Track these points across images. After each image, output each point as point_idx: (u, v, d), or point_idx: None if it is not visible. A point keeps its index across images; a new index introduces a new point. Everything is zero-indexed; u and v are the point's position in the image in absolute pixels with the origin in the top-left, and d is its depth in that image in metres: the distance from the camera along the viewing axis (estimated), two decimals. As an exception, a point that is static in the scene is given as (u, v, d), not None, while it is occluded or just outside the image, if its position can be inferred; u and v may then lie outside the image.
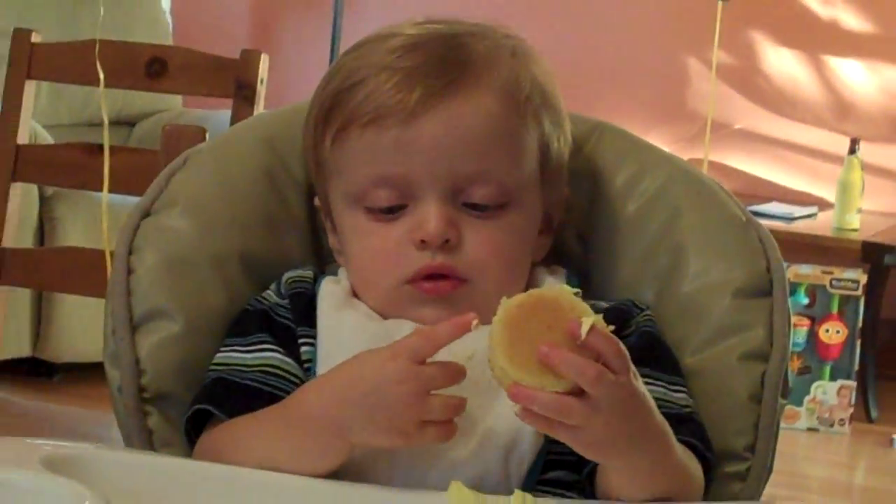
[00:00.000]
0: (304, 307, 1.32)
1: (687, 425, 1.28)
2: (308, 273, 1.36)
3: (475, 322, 1.15)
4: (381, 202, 1.29)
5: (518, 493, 1.19)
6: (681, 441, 1.25)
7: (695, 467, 1.26)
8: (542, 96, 1.33)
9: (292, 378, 1.28)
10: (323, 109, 1.32)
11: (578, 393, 1.12)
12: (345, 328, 1.29)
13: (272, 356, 1.30)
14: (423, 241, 1.27)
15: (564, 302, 1.15)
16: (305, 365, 1.30)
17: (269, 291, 1.36)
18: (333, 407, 1.19)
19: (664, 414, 1.23)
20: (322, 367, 1.28)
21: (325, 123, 1.31)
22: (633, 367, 1.15)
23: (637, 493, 1.20)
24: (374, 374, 1.17)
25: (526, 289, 1.24)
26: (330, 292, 1.33)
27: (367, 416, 1.17)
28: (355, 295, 1.33)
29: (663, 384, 1.29)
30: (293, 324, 1.32)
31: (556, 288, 1.18)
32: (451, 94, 1.27)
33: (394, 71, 1.27)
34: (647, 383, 1.24)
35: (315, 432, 1.20)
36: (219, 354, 1.32)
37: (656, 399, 1.23)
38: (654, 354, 1.32)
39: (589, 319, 1.12)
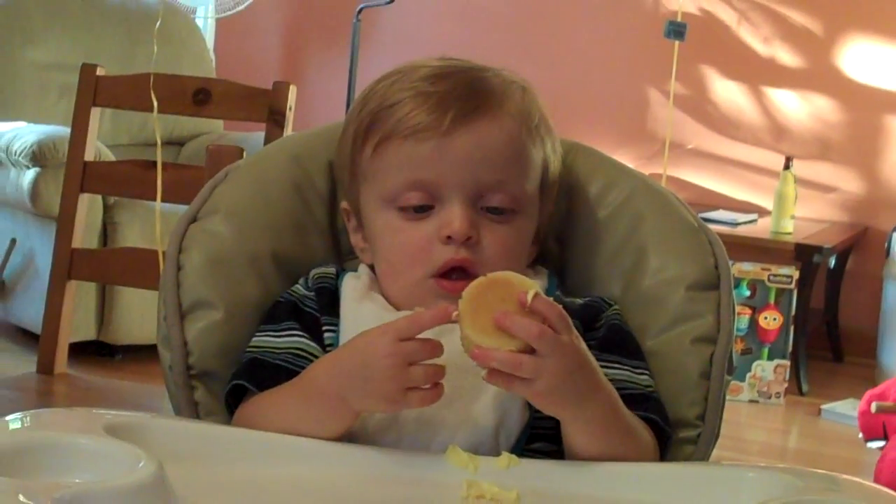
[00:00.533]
0: (328, 299, 1.32)
1: (649, 403, 1.28)
2: (331, 270, 1.36)
3: (455, 313, 1.15)
4: (413, 202, 1.30)
5: (505, 454, 1.19)
6: (642, 416, 1.25)
7: (647, 436, 1.26)
8: (545, 125, 1.34)
9: (316, 359, 1.28)
10: (362, 126, 1.32)
11: (529, 351, 1.13)
12: (364, 317, 1.29)
13: (299, 340, 1.30)
14: (449, 238, 1.28)
15: (514, 279, 1.17)
16: (328, 348, 1.30)
17: (297, 285, 1.36)
18: (336, 379, 1.20)
19: (629, 393, 1.24)
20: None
21: (364, 137, 1.32)
22: (574, 330, 1.17)
23: (592, 447, 1.21)
24: (366, 350, 1.18)
25: None
26: (352, 286, 1.33)
27: (362, 385, 1.17)
28: (373, 289, 1.33)
29: (628, 368, 1.30)
30: (318, 313, 1.32)
31: (506, 271, 1.19)
32: (480, 115, 1.28)
33: (429, 95, 1.28)
34: (614, 367, 1.25)
35: (324, 401, 1.21)
36: (254, 339, 1.32)
37: (622, 380, 1.24)
38: (621, 343, 1.32)
39: (532, 290, 1.14)
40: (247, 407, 1.28)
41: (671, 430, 1.31)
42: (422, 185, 1.29)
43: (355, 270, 1.37)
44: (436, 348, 1.16)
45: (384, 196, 1.31)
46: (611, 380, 1.24)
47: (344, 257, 1.41)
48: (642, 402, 1.27)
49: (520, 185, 1.30)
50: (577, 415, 1.19)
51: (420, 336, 1.18)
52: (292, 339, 1.31)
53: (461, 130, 1.27)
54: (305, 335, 1.31)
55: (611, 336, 1.32)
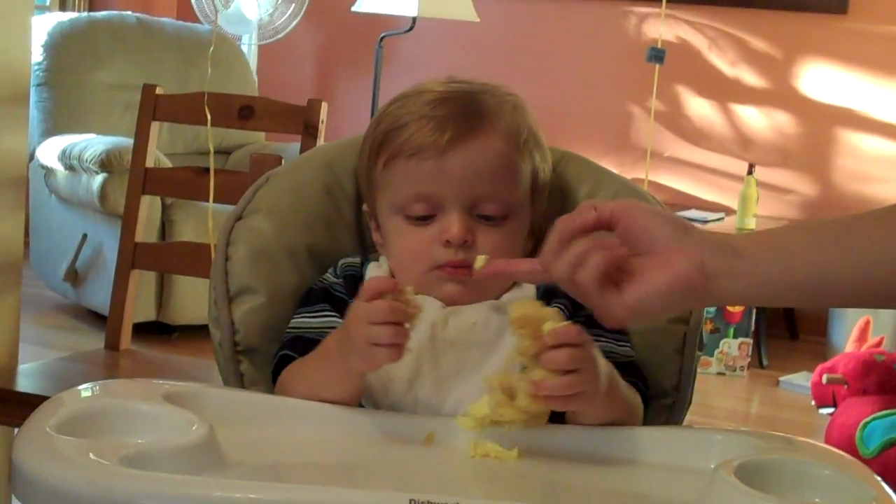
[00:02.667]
0: (355, 285, 1.33)
1: (630, 370, 1.28)
2: (356, 260, 1.37)
3: (410, 288, 1.17)
4: (418, 212, 1.29)
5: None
6: (626, 380, 1.25)
7: (636, 399, 1.27)
8: (534, 139, 1.33)
9: None
10: (376, 143, 1.32)
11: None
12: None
13: (331, 320, 1.30)
14: (448, 242, 1.27)
15: (532, 314, 1.15)
16: None
17: (327, 274, 1.36)
18: (338, 343, 1.20)
19: (613, 361, 1.23)
20: None
21: (377, 153, 1.32)
22: (587, 335, 1.15)
23: (597, 418, 1.20)
24: (349, 314, 1.18)
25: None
26: (373, 273, 1.33)
27: (347, 345, 1.17)
28: (392, 277, 1.33)
29: (612, 340, 1.29)
30: (346, 297, 1.32)
31: (529, 304, 1.18)
32: (472, 137, 1.28)
33: (430, 118, 1.28)
34: (599, 340, 1.24)
35: (332, 365, 1.21)
36: (292, 321, 1.33)
37: (605, 351, 1.23)
38: None
39: (548, 324, 1.14)
40: (284, 373, 1.28)
41: (650, 392, 1.31)
42: (424, 197, 1.29)
43: (377, 261, 1.37)
44: (395, 311, 1.15)
45: (393, 205, 1.31)
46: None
47: (368, 250, 1.41)
48: (625, 368, 1.27)
49: (510, 194, 1.30)
50: (596, 399, 1.18)
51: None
52: (326, 319, 1.31)
53: (456, 150, 1.27)
54: (336, 315, 1.31)
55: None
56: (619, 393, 1.22)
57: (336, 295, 1.33)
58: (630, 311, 1.10)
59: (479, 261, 1.20)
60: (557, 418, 1.19)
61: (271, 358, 1.31)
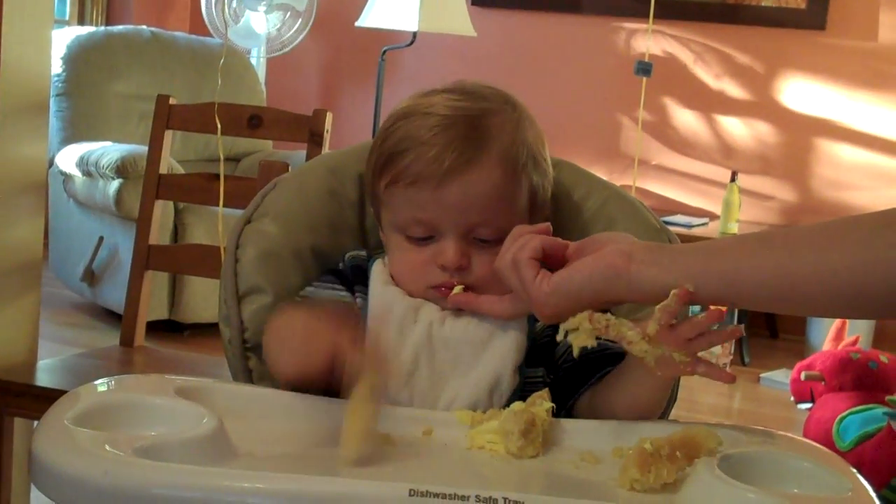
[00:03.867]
0: (361, 274, 1.33)
1: (613, 357, 1.27)
2: (363, 253, 1.36)
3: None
4: (417, 233, 1.28)
5: (495, 411, 1.19)
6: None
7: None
8: (533, 160, 1.30)
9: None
10: (379, 163, 1.30)
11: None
12: (388, 299, 1.29)
13: (338, 293, 1.31)
14: (443, 266, 1.27)
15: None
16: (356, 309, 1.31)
17: (338, 265, 1.36)
18: (334, 330, 1.15)
19: (612, 352, 1.24)
20: (371, 321, 1.28)
21: (379, 175, 1.30)
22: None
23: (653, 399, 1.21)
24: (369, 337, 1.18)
25: None
26: (379, 271, 1.32)
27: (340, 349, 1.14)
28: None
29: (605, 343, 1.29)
30: (352, 282, 1.32)
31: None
32: (469, 167, 1.25)
33: (430, 146, 1.25)
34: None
35: (320, 337, 1.16)
36: (302, 291, 1.33)
37: (600, 348, 1.24)
38: None
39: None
40: (277, 312, 1.24)
41: None
42: (422, 222, 1.28)
43: (383, 258, 1.36)
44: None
45: (395, 224, 1.30)
46: (592, 352, 1.25)
47: (371, 250, 1.41)
48: (606, 360, 1.26)
49: (505, 220, 1.27)
50: None
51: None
52: (335, 292, 1.31)
53: (452, 181, 1.25)
54: (344, 289, 1.31)
55: None
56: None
57: (344, 274, 1.34)
58: (554, 286, 1.14)
59: (456, 289, 1.25)
60: (558, 410, 1.19)
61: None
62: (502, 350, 1.25)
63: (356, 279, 1.32)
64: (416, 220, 1.28)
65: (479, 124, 1.27)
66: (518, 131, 1.30)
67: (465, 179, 1.25)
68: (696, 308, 1.14)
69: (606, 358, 1.25)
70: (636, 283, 1.11)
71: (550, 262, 1.18)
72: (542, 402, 1.16)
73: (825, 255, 1.02)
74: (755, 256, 1.07)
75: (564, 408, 1.25)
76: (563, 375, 1.27)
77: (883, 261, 0.99)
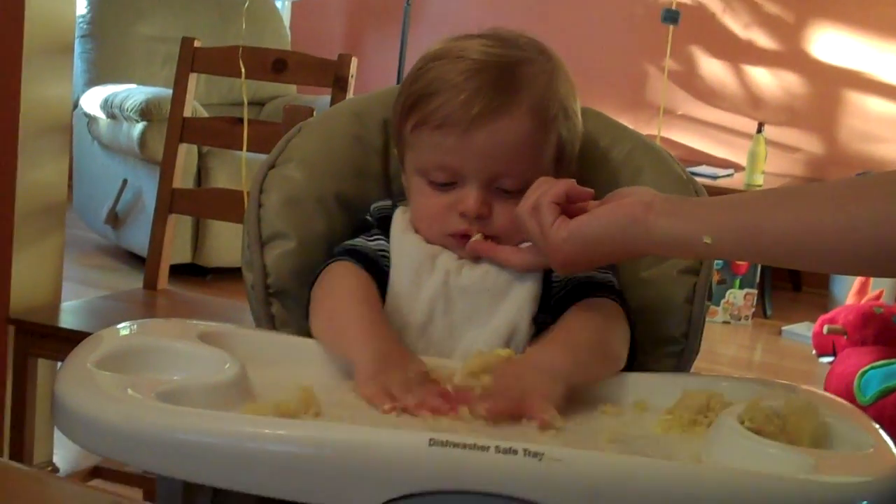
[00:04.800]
0: (386, 223, 1.32)
1: (605, 289, 1.27)
2: (388, 203, 1.36)
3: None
4: (440, 179, 1.27)
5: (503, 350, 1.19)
6: (602, 296, 1.25)
7: (616, 339, 1.23)
8: (564, 112, 1.29)
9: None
10: (407, 104, 1.29)
11: None
12: (406, 246, 1.29)
13: (381, 243, 1.31)
14: (463, 213, 1.26)
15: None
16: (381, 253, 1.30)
17: (366, 217, 1.36)
18: (365, 351, 1.16)
19: (590, 281, 1.26)
20: (392, 269, 1.28)
21: (407, 116, 1.29)
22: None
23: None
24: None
25: None
26: (400, 219, 1.32)
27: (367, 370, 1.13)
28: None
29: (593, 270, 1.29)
30: (382, 236, 1.32)
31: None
32: (499, 115, 1.24)
33: (460, 90, 1.24)
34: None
35: (345, 341, 1.19)
36: (355, 241, 1.32)
37: (585, 276, 1.26)
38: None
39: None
40: (331, 269, 1.27)
41: (656, 335, 1.32)
42: (446, 167, 1.26)
43: (406, 205, 1.35)
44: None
45: (418, 167, 1.29)
46: (574, 278, 1.26)
47: (395, 197, 1.40)
48: (601, 287, 1.26)
49: (530, 171, 1.26)
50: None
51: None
52: (379, 242, 1.31)
53: (480, 127, 1.23)
54: (384, 239, 1.31)
55: None
56: (596, 358, 1.19)
57: (373, 226, 1.34)
58: (570, 231, 1.14)
59: (476, 237, 1.25)
60: None
61: (310, 286, 1.29)
62: (519, 300, 1.24)
63: (384, 231, 1.32)
64: (440, 164, 1.27)
65: (511, 72, 1.26)
66: (551, 83, 1.28)
67: (493, 126, 1.24)
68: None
69: (593, 285, 1.25)
70: (654, 233, 1.10)
71: (573, 212, 1.17)
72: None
73: (846, 209, 1.00)
74: (776, 210, 1.05)
75: None
76: (554, 306, 1.26)
77: None
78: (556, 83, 1.29)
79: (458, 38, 1.30)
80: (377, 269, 1.27)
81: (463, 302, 1.25)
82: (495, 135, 1.24)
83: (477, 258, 1.27)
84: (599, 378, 1.18)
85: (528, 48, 1.30)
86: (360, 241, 1.31)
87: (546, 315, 1.25)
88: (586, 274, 1.26)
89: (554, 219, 1.16)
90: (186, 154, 2.58)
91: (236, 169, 4.17)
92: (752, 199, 1.09)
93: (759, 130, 4.92)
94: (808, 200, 1.04)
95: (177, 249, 4.05)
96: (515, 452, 0.88)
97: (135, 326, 1.18)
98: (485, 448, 0.88)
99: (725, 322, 4.64)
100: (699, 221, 1.08)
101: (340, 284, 1.25)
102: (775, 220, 1.04)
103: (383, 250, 1.29)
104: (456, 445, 0.88)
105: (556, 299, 1.27)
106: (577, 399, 1.13)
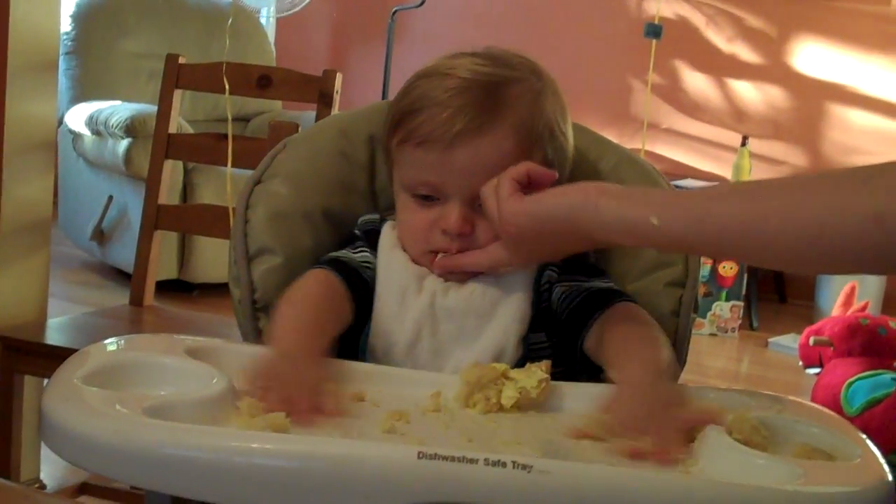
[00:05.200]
0: (373, 237, 1.33)
1: (617, 294, 1.27)
2: (375, 217, 1.36)
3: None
4: (422, 192, 1.28)
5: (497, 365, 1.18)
6: (623, 300, 1.26)
7: (663, 338, 1.22)
8: (550, 132, 1.28)
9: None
10: (394, 120, 1.30)
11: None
12: (394, 265, 1.29)
13: (366, 255, 1.31)
14: (445, 230, 1.26)
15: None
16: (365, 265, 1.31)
17: (354, 230, 1.36)
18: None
19: (597, 290, 1.26)
20: (378, 286, 1.28)
21: (393, 132, 1.30)
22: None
23: None
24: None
25: None
26: (388, 235, 1.32)
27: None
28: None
29: (592, 279, 1.29)
30: (368, 249, 1.32)
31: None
32: (481, 133, 1.24)
33: (444, 107, 1.24)
34: (576, 280, 1.27)
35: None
36: (340, 252, 1.32)
37: (586, 286, 1.25)
38: (582, 267, 1.32)
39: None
40: (304, 277, 1.27)
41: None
42: (428, 184, 1.27)
43: (394, 220, 1.35)
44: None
45: (403, 183, 1.30)
46: (574, 287, 1.26)
47: (383, 215, 1.40)
48: (613, 294, 1.26)
49: None
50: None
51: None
52: (363, 254, 1.31)
53: (462, 145, 1.23)
54: (369, 251, 1.31)
55: (575, 262, 1.31)
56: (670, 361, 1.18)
57: (360, 240, 1.34)
58: (523, 203, 1.15)
59: (440, 256, 1.25)
60: (561, 377, 1.19)
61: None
62: (506, 321, 1.24)
63: (370, 244, 1.32)
64: (422, 181, 1.27)
65: (496, 91, 1.25)
66: (537, 102, 1.28)
67: (474, 144, 1.24)
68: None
69: (604, 294, 1.26)
70: (603, 214, 1.09)
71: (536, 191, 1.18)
72: (535, 372, 1.15)
73: (792, 197, 1.00)
74: (725, 199, 1.05)
75: (579, 350, 1.24)
76: (566, 319, 1.26)
77: (849, 206, 0.97)
78: (542, 103, 1.28)
79: (452, 56, 1.30)
80: (359, 279, 1.27)
81: (449, 323, 1.25)
82: (477, 153, 1.24)
83: (461, 279, 1.27)
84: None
85: (521, 68, 1.29)
86: (343, 253, 1.32)
87: (539, 333, 1.26)
88: (590, 284, 1.26)
89: (510, 193, 1.17)
90: (172, 170, 2.58)
91: (222, 185, 4.16)
92: (705, 189, 1.09)
93: (744, 144, 4.93)
94: (757, 192, 1.04)
95: (163, 265, 4.05)
96: (504, 465, 0.88)
97: (122, 342, 1.18)
98: (473, 461, 0.88)
99: (712, 334, 4.64)
100: (649, 205, 1.08)
101: (302, 290, 1.25)
102: (723, 207, 1.04)
103: (367, 262, 1.29)
104: (444, 458, 0.88)
105: (568, 311, 1.26)
106: (566, 409, 1.13)
